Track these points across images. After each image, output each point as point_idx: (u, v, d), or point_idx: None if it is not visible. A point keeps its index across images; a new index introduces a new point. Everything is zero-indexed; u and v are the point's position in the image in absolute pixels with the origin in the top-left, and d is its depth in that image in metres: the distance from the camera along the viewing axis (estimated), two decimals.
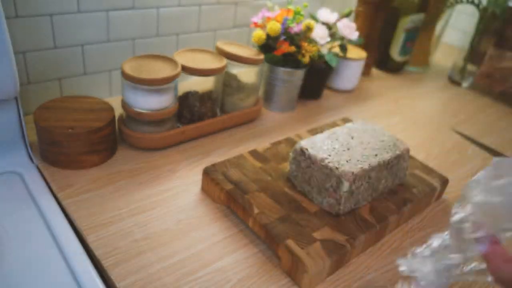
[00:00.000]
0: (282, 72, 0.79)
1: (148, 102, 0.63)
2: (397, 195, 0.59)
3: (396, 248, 0.56)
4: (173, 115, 0.67)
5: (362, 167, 0.53)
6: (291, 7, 0.81)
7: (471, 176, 0.77)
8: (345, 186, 0.52)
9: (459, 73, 1.11)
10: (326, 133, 0.60)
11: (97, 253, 0.48)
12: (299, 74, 0.81)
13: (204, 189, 0.60)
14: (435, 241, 0.35)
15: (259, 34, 0.76)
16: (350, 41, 0.89)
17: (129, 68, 0.62)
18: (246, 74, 0.76)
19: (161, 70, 0.63)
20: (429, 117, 0.93)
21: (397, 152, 0.58)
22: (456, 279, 0.32)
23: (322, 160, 0.54)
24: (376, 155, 0.56)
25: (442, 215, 0.63)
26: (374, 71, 1.14)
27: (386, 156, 0.56)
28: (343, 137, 0.59)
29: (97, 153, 0.61)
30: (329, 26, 0.86)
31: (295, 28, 0.77)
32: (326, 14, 0.87)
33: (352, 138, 0.59)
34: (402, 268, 0.31)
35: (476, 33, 1.05)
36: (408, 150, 0.60)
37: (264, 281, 0.48)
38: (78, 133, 0.57)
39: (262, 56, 0.74)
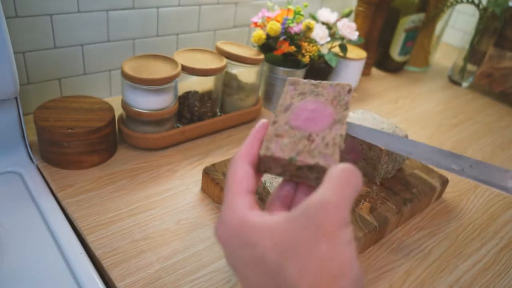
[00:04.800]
0: (282, 72, 0.79)
1: (148, 102, 0.63)
2: (397, 195, 0.59)
3: (396, 248, 0.56)
4: (173, 115, 0.67)
5: None
6: (291, 7, 0.81)
7: None
8: None
9: (459, 73, 1.11)
10: None
11: (97, 253, 0.48)
12: (299, 74, 0.81)
13: (204, 189, 0.60)
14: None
15: (259, 34, 0.76)
16: (350, 41, 0.89)
17: (129, 68, 0.62)
18: (246, 74, 0.76)
19: (161, 70, 0.63)
20: (429, 117, 0.93)
21: None
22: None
23: None
24: None
25: (442, 215, 0.63)
26: (374, 71, 1.14)
27: None
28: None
29: (97, 153, 0.61)
30: (329, 26, 0.86)
31: (295, 28, 0.77)
32: (326, 14, 0.87)
33: None
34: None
35: (476, 33, 1.05)
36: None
37: None
38: (78, 133, 0.57)
39: (262, 56, 0.74)
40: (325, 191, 0.27)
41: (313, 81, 0.37)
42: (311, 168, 0.31)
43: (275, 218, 0.27)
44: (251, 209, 0.29)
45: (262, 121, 0.34)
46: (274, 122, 0.34)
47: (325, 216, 0.26)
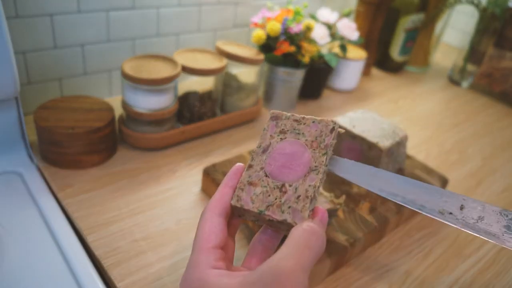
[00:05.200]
0: (282, 72, 0.79)
1: (148, 102, 0.63)
2: None
3: (396, 248, 0.56)
4: (173, 115, 0.67)
5: None
6: (291, 7, 0.81)
7: (471, 176, 0.77)
8: None
9: (459, 73, 1.11)
10: None
11: (97, 253, 0.48)
12: (299, 74, 0.81)
13: (204, 189, 0.60)
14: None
15: (259, 34, 0.76)
16: (350, 41, 0.89)
17: (129, 68, 0.62)
18: (246, 74, 0.76)
19: (161, 70, 0.63)
20: (429, 117, 0.93)
21: (397, 139, 0.60)
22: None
23: None
24: (377, 142, 0.57)
25: None
26: (374, 71, 1.14)
27: (387, 143, 0.57)
28: (346, 126, 0.61)
29: (97, 153, 0.61)
30: (329, 26, 0.86)
31: (295, 28, 0.77)
32: (326, 14, 0.87)
33: (354, 127, 0.60)
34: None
35: (476, 33, 1.05)
36: (406, 137, 0.62)
37: None
38: (78, 133, 0.57)
39: (262, 56, 0.74)
40: (282, 256, 0.27)
41: (296, 116, 0.35)
42: (280, 222, 0.31)
43: (233, 281, 0.27)
44: (213, 268, 0.28)
45: (237, 166, 0.34)
46: (250, 166, 0.33)
47: (279, 286, 0.25)
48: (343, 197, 0.51)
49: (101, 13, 0.71)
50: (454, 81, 1.13)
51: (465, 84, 1.11)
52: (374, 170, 0.34)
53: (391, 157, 0.60)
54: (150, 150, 0.67)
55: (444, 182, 0.64)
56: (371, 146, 0.58)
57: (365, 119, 0.63)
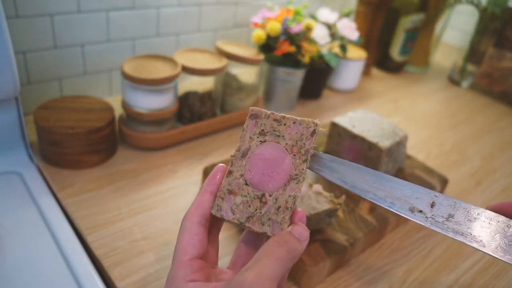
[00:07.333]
0: (282, 72, 0.79)
1: (148, 102, 0.63)
2: None
3: (396, 248, 0.56)
4: (173, 115, 0.67)
5: None
6: (291, 7, 0.81)
7: (470, 176, 0.77)
8: None
9: (459, 73, 1.11)
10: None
11: (97, 253, 0.48)
12: (299, 74, 0.81)
13: None
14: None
15: (259, 34, 0.76)
16: (350, 41, 0.89)
17: (129, 68, 0.62)
18: (246, 74, 0.76)
19: (161, 70, 0.63)
20: (429, 117, 0.93)
21: (397, 139, 0.60)
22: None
23: None
24: (377, 142, 0.57)
25: None
26: (374, 71, 1.14)
27: (387, 143, 0.58)
28: (346, 126, 0.61)
29: (97, 153, 0.61)
30: (329, 26, 0.86)
31: (295, 28, 0.77)
32: (326, 14, 0.87)
33: (354, 127, 0.60)
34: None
35: (476, 33, 1.05)
36: (406, 137, 0.62)
37: None
38: (78, 133, 0.57)
39: (262, 56, 0.74)
40: (247, 267, 0.27)
41: (276, 115, 0.33)
42: (260, 233, 0.31)
43: None
44: (189, 281, 0.29)
45: (216, 170, 0.33)
46: (230, 172, 0.32)
47: None
48: (343, 197, 0.51)
49: (101, 13, 0.71)
50: (454, 81, 1.13)
51: (465, 84, 1.11)
52: (351, 166, 0.33)
53: (391, 157, 0.60)
54: (150, 150, 0.67)
55: (444, 182, 0.64)
56: (371, 146, 0.58)
57: (365, 119, 0.63)
